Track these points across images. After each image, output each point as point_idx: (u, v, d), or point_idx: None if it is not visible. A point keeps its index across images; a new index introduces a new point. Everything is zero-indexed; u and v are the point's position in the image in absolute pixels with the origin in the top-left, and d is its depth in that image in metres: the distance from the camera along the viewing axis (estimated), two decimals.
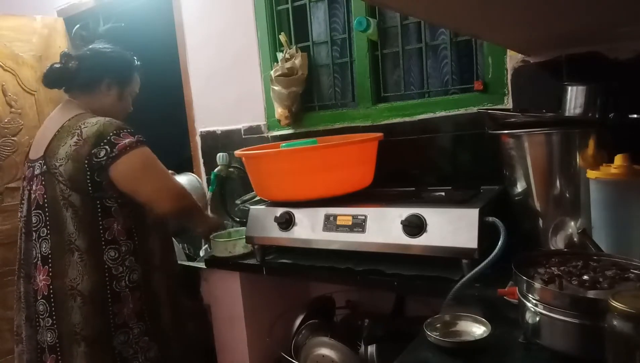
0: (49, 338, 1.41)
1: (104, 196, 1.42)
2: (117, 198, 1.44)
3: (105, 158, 1.38)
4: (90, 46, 1.64)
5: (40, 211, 1.43)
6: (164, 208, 1.49)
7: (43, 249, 1.42)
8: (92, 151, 1.38)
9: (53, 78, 1.55)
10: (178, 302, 1.64)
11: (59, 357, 1.41)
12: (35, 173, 1.45)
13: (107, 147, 1.38)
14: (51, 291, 1.41)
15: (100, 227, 1.43)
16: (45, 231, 1.42)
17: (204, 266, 1.78)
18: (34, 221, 1.44)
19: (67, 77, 1.54)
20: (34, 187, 1.45)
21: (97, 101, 1.56)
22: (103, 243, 1.43)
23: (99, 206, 1.42)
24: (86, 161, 1.38)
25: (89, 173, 1.38)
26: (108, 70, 1.58)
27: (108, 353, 1.43)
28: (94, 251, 1.42)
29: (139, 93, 1.76)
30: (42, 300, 1.42)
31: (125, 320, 1.46)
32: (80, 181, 1.39)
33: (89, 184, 1.39)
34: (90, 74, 1.55)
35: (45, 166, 1.42)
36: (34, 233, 1.44)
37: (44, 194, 1.42)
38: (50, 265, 1.41)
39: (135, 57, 1.68)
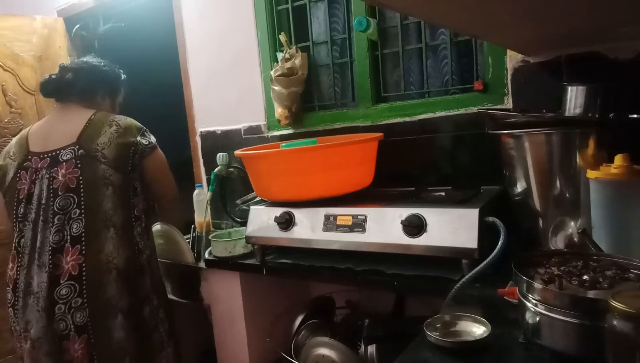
0: (78, 319, 1.45)
1: (135, 177, 1.58)
2: (141, 181, 1.61)
3: (148, 145, 1.60)
4: (85, 59, 1.79)
5: (72, 194, 1.50)
6: (170, 197, 1.71)
7: (74, 230, 1.48)
8: (138, 138, 1.58)
9: (50, 88, 1.67)
10: (164, 289, 1.75)
11: (91, 335, 1.45)
12: (64, 158, 1.53)
13: (147, 138, 1.62)
14: (83, 269, 1.46)
15: (131, 204, 1.58)
16: (78, 211, 1.49)
17: (204, 266, 1.78)
18: (61, 205, 1.50)
19: (63, 87, 1.66)
20: (62, 171, 1.51)
21: (94, 108, 1.66)
22: (133, 219, 1.57)
23: (132, 185, 1.58)
24: (132, 146, 1.56)
25: (132, 155, 1.56)
26: (102, 83, 1.73)
27: (140, 324, 1.54)
28: (127, 227, 1.55)
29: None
30: (67, 282, 1.45)
31: (148, 292, 1.58)
32: (123, 161, 1.54)
33: (130, 165, 1.56)
34: (85, 86, 1.68)
35: (82, 150, 1.52)
36: (62, 216, 1.49)
37: (78, 177, 1.51)
38: (84, 244, 1.48)
39: (122, 71, 1.84)
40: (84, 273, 1.46)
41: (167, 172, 1.69)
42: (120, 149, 1.54)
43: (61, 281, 1.45)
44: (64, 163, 1.52)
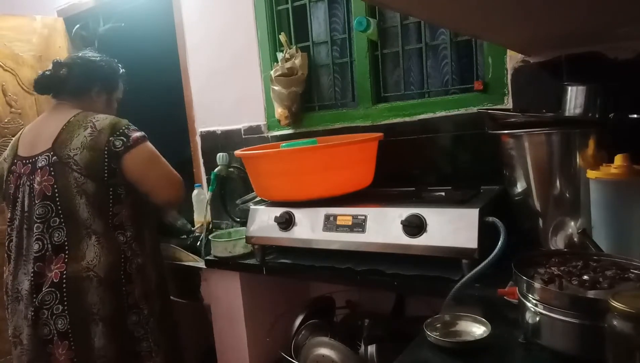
0: (59, 325, 1.43)
1: (116, 182, 1.50)
2: (125, 186, 1.53)
3: (122, 147, 1.48)
4: (80, 54, 1.71)
5: (48, 202, 1.46)
6: (164, 197, 1.60)
7: (55, 238, 1.45)
8: (110, 139, 1.47)
9: (43, 84, 1.62)
10: (166, 295, 1.71)
11: (72, 342, 1.43)
12: (39, 165, 1.48)
13: (122, 138, 1.49)
14: (64, 277, 1.43)
15: (110, 213, 1.51)
16: (58, 220, 1.46)
17: (204, 266, 1.78)
18: (40, 213, 1.46)
19: (57, 84, 1.61)
20: (37, 179, 1.47)
21: (87, 106, 1.61)
22: (113, 227, 1.51)
23: (111, 192, 1.50)
24: (105, 149, 1.46)
25: (107, 160, 1.46)
26: (97, 78, 1.66)
27: (124, 332, 1.50)
28: (109, 235, 1.50)
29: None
30: (48, 289, 1.43)
31: (137, 300, 1.53)
32: (97, 168, 1.45)
33: (106, 171, 1.47)
34: (79, 81, 1.62)
35: (55, 157, 1.46)
36: (40, 225, 1.45)
37: (53, 185, 1.46)
38: (66, 252, 1.45)
39: (120, 66, 1.76)
40: (64, 281, 1.43)
41: (154, 168, 1.56)
42: (92, 155, 1.45)
43: (43, 288, 1.44)
44: (39, 170, 1.48)
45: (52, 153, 1.47)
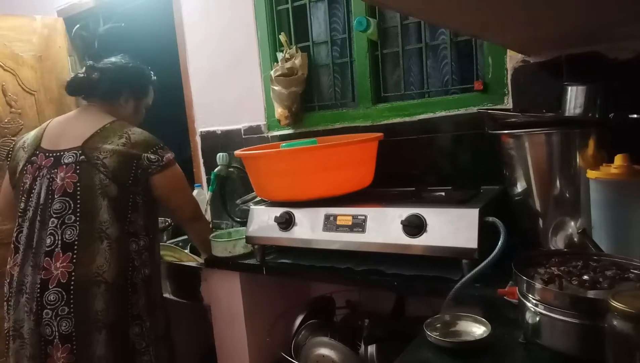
0: (63, 328, 1.41)
1: (137, 191, 1.53)
2: (143, 196, 1.55)
3: (156, 163, 1.54)
4: (113, 59, 1.74)
5: (68, 199, 1.46)
6: (186, 215, 1.70)
7: (67, 236, 1.45)
8: (143, 155, 1.52)
9: (76, 86, 1.67)
10: (168, 309, 1.70)
11: (74, 346, 1.41)
12: (65, 161, 1.50)
13: (155, 155, 1.54)
14: (72, 278, 1.42)
15: (128, 219, 1.52)
16: (73, 218, 1.46)
17: (204, 266, 1.78)
18: (57, 208, 1.46)
19: (89, 87, 1.65)
20: (61, 174, 1.48)
21: (116, 111, 1.66)
22: (128, 234, 1.51)
23: (131, 199, 1.52)
24: (136, 160, 1.51)
25: (134, 168, 1.50)
26: (127, 84, 1.70)
27: (125, 343, 1.48)
28: (122, 241, 1.50)
29: None
30: (55, 289, 1.41)
31: (140, 311, 1.52)
32: (123, 173, 1.49)
33: (131, 178, 1.50)
34: (110, 86, 1.66)
35: (83, 156, 1.49)
36: (55, 220, 1.45)
37: (76, 182, 1.47)
38: (75, 252, 1.44)
39: (152, 72, 1.79)
40: (72, 283, 1.42)
41: (181, 191, 1.65)
42: (121, 160, 1.49)
43: (50, 287, 1.42)
44: (65, 166, 1.49)
45: (80, 152, 1.50)
